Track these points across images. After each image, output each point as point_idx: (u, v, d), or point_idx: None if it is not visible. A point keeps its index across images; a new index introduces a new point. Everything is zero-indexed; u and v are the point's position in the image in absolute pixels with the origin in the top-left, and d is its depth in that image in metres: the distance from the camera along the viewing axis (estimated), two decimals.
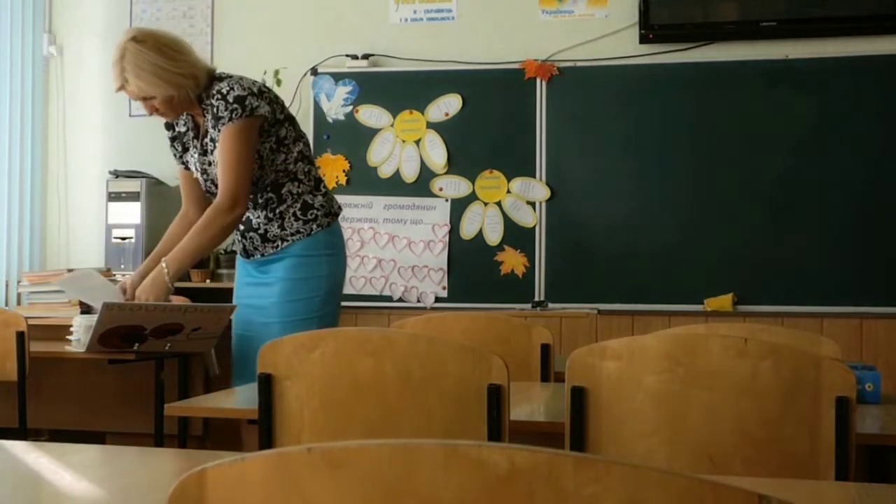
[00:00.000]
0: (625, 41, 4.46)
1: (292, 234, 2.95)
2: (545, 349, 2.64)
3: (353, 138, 4.63)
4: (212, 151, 2.93)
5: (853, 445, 1.56)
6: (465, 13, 4.67)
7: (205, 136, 2.95)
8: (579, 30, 4.52)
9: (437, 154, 4.56)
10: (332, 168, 4.62)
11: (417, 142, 4.59)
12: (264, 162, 2.91)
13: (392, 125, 4.61)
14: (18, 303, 4.60)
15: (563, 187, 4.45)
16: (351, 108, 4.65)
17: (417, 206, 4.56)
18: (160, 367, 3.31)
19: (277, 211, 2.95)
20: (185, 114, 3.00)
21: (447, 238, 4.53)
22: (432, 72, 4.60)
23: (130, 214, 4.57)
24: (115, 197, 4.61)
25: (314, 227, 2.96)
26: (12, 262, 4.82)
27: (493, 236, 4.50)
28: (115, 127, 5.04)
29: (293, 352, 1.78)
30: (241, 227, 2.99)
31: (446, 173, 4.56)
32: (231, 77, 2.91)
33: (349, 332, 1.79)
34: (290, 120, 2.99)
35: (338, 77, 4.67)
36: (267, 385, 1.79)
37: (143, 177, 4.61)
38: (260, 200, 2.95)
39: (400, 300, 4.56)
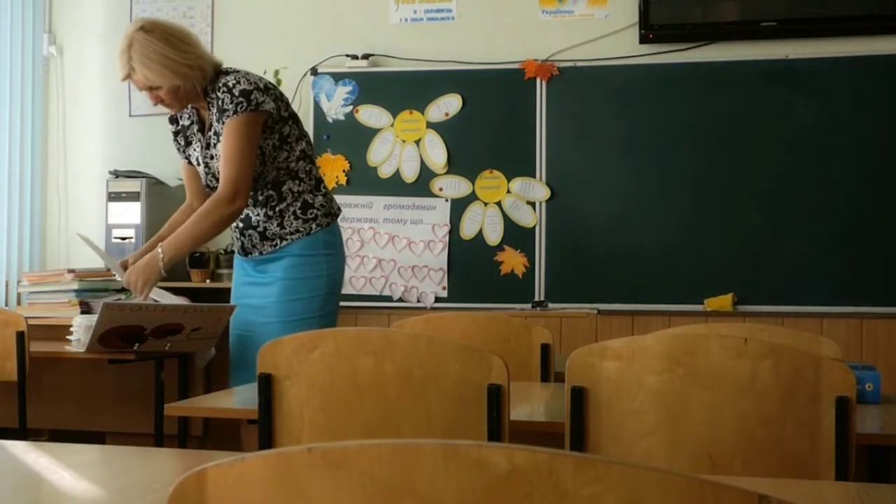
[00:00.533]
0: (625, 41, 4.46)
1: (291, 234, 2.95)
2: (545, 349, 2.64)
3: (353, 138, 4.63)
4: (215, 145, 2.93)
5: (853, 445, 1.56)
6: (465, 13, 4.67)
7: (209, 129, 2.96)
8: (579, 30, 4.52)
9: (437, 154, 4.56)
10: (332, 168, 4.62)
11: (417, 142, 4.59)
12: (266, 158, 2.92)
13: (392, 125, 4.61)
14: (18, 303, 4.60)
15: (563, 187, 4.45)
16: (351, 108, 4.65)
17: (417, 206, 4.56)
18: (160, 367, 3.31)
19: (277, 209, 2.95)
20: (189, 107, 3.01)
21: (447, 238, 4.53)
22: (432, 72, 4.59)
23: (130, 214, 4.56)
24: (115, 197, 4.61)
25: (314, 226, 2.96)
26: (12, 262, 4.82)
27: (493, 236, 4.50)
28: (115, 127, 5.04)
29: (293, 352, 1.78)
30: (241, 225, 2.99)
31: (446, 173, 4.56)
32: (238, 72, 2.92)
33: (349, 332, 1.79)
34: (294, 118, 3.00)
35: (338, 77, 4.67)
36: (267, 385, 1.79)
37: (143, 177, 4.61)
38: (260, 198, 2.96)
39: (400, 300, 4.56)
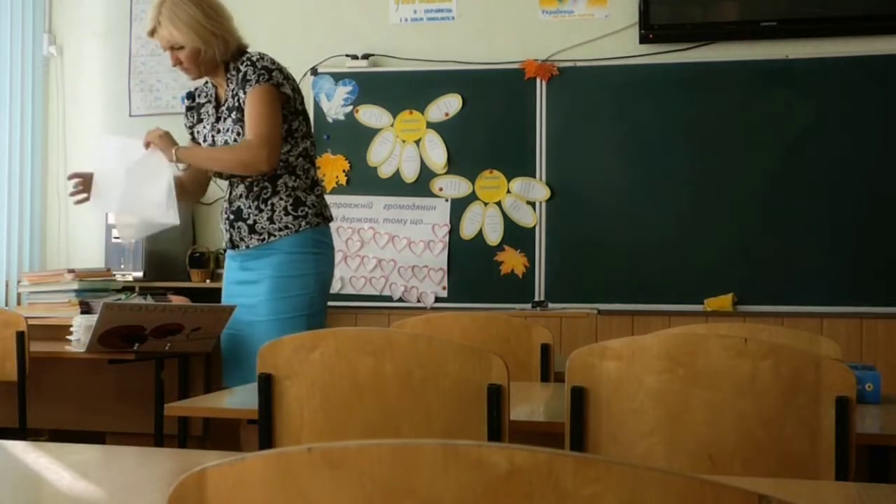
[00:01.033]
0: (625, 41, 4.46)
1: (280, 230, 2.96)
2: (545, 349, 2.64)
3: (353, 138, 4.63)
4: (225, 119, 2.97)
5: (853, 445, 1.56)
6: (465, 13, 4.67)
7: (223, 103, 2.99)
8: (579, 30, 4.52)
9: (437, 154, 4.56)
10: (332, 168, 4.62)
11: (417, 142, 4.59)
12: None
13: (392, 125, 4.61)
14: (18, 303, 4.60)
15: (563, 187, 4.45)
16: (351, 108, 4.65)
17: (417, 206, 4.56)
18: (160, 367, 3.31)
19: (269, 202, 2.96)
20: (207, 84, 3.06)
21: (447, 238, 4.53)
22: (432, 72, 4.59)
23: None
24: None
25: (303, 223, 2.97)
26: (12, 262, 4.82)
27: (493, 236, 4.50)
28: (115, 127, 5.03)
29: (293, 352, 1.78)
30: (231, 217, 3.01)
31: (446, 173, 4.56)
32: (263, 54, 2.99)
33: (349, 332, 1.79)
34: (305, 116, 3.06)
35: (338, 77, 4.67)
36: (267, 385, 1.79)
37: None
38: (255, 188, 2.97)
39: (400, 300, 4.56)
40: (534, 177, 4.46)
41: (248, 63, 2.93)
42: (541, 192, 4.46)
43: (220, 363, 3.19)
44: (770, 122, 4.27)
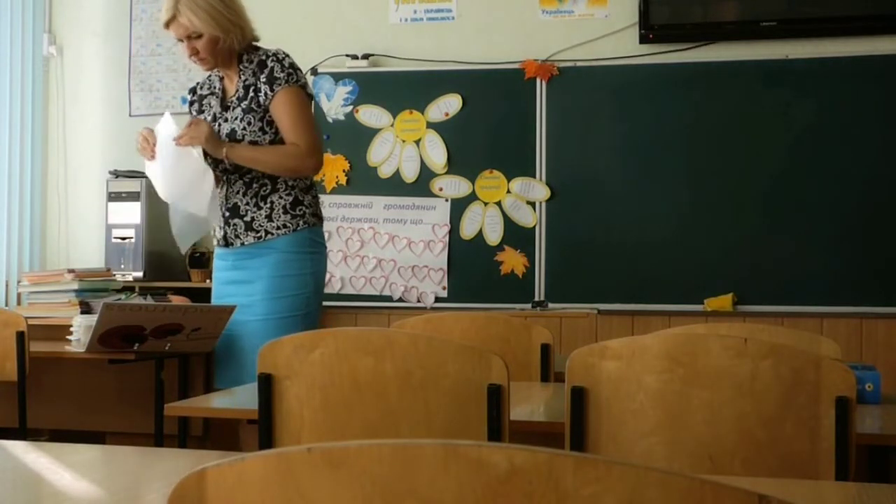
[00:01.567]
0: (625, 41, 4.46)
1: (278, 228, 2.95)
2: (545, 349, 2.64)
3: (353, 138, 4.63)
4: (234, 108, 2.97)
5: (853, 445, 1.56)
6: (465, 13, 4.67)
7: (234, 93, 2.99)
8: (579, 30, 4.52)
9: (437, 154, 4.56)
10: (332, 168, 4.62)
11: (417, 142, 4.59)
12: (276, 142, 2.94)
13: (392, 125, 4.61)
14: (18, 303, 4.60)
15: (563, 187, 4.45)
16: (351, 108, 4.65)
17: (417, 206, 4.56)
18: (160, 367, 3.31)
19: (269, 199, 2.96)
20: (214, 75, 3.06)
21: (447, 238, 4.53)
22: (432, 72, 4.59)
23: (130, 214, 4.56)
24: (115, 197, 4.61)
25: (301, 223, 2.97)
26: (12, 262, 4.82)
27: (493, 236, 4.50)
28: (115, 127, 5.04)
29: (293, 352, 1.77)
30: (226, 214, 3.00)
31: (446, 173, 4.56)
32: (284, 51, 3.01)
33: (349, 332, 1.79)
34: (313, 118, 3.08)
35: (338, 77, 4.67)
36: (267, 385, 1.79)
37: (143, 177, 4.60)
38: (254, 186, 2.97)
39: (400, 300, 4.56)
40: (534, 177, 4.46)
41: (275, 59, 2.94)
42: (541, 192, 4.46)
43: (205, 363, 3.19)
44: (770, 122, 4.27)
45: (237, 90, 2.98)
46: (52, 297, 4.03)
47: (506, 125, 4.51)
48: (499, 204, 4.50)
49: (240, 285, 2.99)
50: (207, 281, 4.49)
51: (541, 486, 0.66)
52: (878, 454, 1.83)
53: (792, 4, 4.30)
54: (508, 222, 4.48)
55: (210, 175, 2.91)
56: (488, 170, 4.52)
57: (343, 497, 0.70)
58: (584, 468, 0.66)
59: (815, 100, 4.24)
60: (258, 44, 3.04)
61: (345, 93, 4.66)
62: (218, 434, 4.01)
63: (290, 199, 2.97)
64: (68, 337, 3.34)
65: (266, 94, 2.91)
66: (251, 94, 2.94)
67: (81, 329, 3.23)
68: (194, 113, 3.11)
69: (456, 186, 4.54)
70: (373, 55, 4.69)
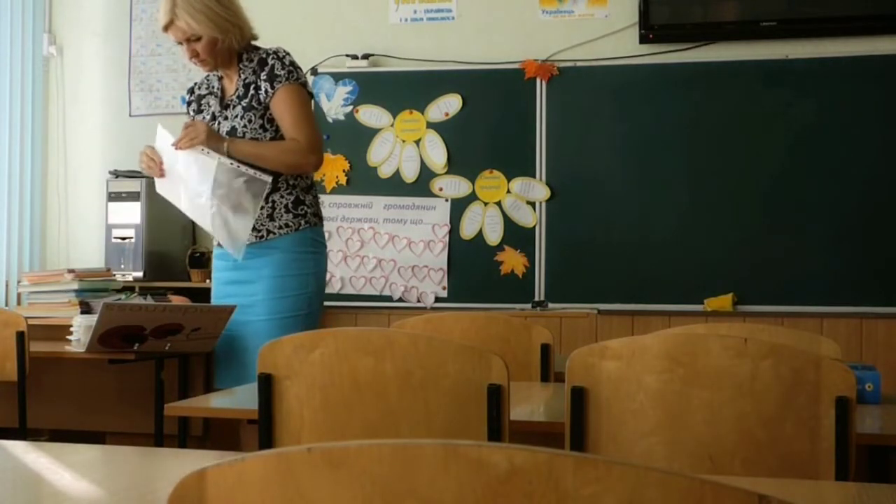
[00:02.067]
0: (625, 41, 4.46)
1: (280, 227, 2.95)
2: (545, 349, 2.64)
3: (353, 138, 4.63)
4: (234, 106, 2.97)
5: (853, 445, 1.56)
6: (465, 13, 4.67)
7: (234, 92, 2.99)
8: (579, 30, 4.52)
9: (437, 154, 4.56)
10: (332, 168, 4.62)
11: (417, 142, 4.59)
12: (276, 139, 2.94)
13: (392, 125, 4.61)
14: (18, 303, 4.60)
15: (563, 187, 4.45)
16: (351, 108, 4.65)
17: (417, 206, 4.56)
18: (160, 367, 3.31)
19: (270, 199, 2.95)
20: (214, 73, 3.06)
21: (447, 238, 4.53)
22: (432, 72, 4.60)
23: (130, 214, 4.57)
24: (115, 197, 4.61)
25: (302, 222, 2.97)
26: (12, 262, 4.82)
27: (493, 236, 4.50)
28: (115, 127, 5.04)
29: (293, 352, 1.77)
30: None
31: (446, 173, 4.56)
32: (284, 49, 3.01)
33: (349, 332, 1.79)
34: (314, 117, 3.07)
35: (338, 77, 4.67)
36: (267, 385, 1.79)
37: (143, 177, 4.61)
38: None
39: (400, 300, 4.56)
40: (534, 177, 4.46)
41: (275, 57, 2.94)
42: (541, 192, 4.46)
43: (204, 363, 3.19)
44: (770, 122, 4.27)
45: (237, 88, 2.98)
46: (52, 297, 4.03)
47: (506, 125, 4.51)
48: (499, 204, 4.50)
49: (241, 285, 2.99)
50: (207, 281, 4.49)
51: (541, 486, 0.66)
52: (878, 454, 1.83)
53: (792, 4, 4.30)
54: (508, 222, 4.48)
55: (231, 168, 2.83)
56: (488, 170, 4.52)
57: (343, 497, 0.70)
58: (584, 468, 0.66)
59: (815, 100, 4.24)
60: (257, 42, 3.04)
61: (345, 93, 4.66)
62: (218, 434, 4.01)
63: (292, 198, 2.97)
64: (68, 337, 3.34)
65: (266, 91, 2.91)
66: (251, 91, 2.94)
67: (81, 329, 3.23)
68: (192, 113, 3.11)
69: (456, 186, 4.54)
70: (373, 55, 4.69)
